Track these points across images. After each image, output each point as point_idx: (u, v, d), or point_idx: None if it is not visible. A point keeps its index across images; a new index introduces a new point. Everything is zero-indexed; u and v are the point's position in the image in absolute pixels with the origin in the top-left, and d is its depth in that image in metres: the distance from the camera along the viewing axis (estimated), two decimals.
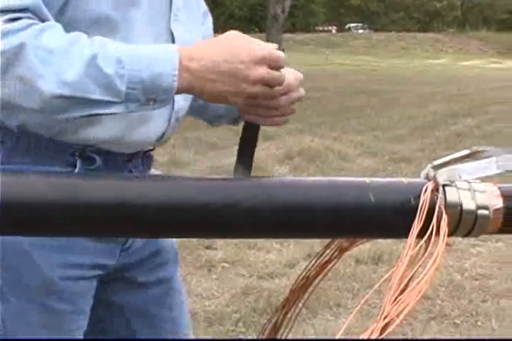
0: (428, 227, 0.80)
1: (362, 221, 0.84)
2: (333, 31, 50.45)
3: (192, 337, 1.68)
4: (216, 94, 1.18)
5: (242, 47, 1.16)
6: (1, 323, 1.34)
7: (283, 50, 1.18)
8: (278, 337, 1.07)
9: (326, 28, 51.57)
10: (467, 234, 0.86)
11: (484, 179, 0.87)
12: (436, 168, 0.85)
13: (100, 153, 1.35)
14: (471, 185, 0.85)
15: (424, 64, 31.97)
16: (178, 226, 0.83)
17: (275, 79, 1.17)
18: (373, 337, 0.69)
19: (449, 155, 0.87)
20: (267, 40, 1.24)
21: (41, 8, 1.20)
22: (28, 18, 1.17)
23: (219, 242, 4.33)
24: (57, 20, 1.21)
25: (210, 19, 1.60)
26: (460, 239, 3.93)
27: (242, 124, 1.31)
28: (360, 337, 0.70)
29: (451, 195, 0.83)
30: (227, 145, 8.01)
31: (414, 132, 9.83)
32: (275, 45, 1.19)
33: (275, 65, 1.16)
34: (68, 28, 1.19)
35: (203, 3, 1.58)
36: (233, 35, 1.19)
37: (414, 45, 44.00)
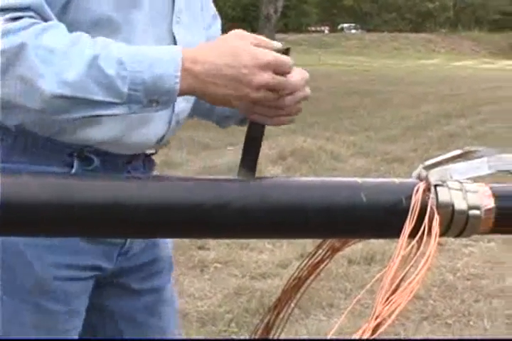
0: (420, 227, 0.80)
1: (354, 221, 0.84)
2: (326, 31, 50.50)
3: None
4: (219, 97, 1.16)
5: (246, 50, 1.14)
6: None
7: (288, 50, 1.17)
8: (270, 337, 1.06)
9: (318, 29, 51.61)
10: (459, 234, 0.86)
11: (476, 179, 0.87)
12: (428, 168, 0.85)
13: (98, 153, 1.34)
14: (463, 185, 0.85)
15: (417, 64, 32.02)
16: (171, 226, 0.83)
17: (280, 85, 1.15)
18: (365, 337, 0.70)
19: (441, 155, 0.87)
20: None
21: (43, 7, 1.19)
22: (30, 17, 1.17)
23: (211, 242, 4.33)
24: (59, 20, 1.21)
25: (218, 21, 1.58)
26: (452, 239, 3.93)
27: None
28: (352, 337, 0.70)
29: (443, 195, 0.83)
30: (219, 146, 8.02)
31: (407, 132, 9.85)
32: (279, 44, 1.18)
33: (280, 71, 1.14)
34: (70, 28, 1.19)
35: (212, 6, 1.57)
36: (237, 36, 1.17)
37: (407, 46, 44.08)
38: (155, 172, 1.54)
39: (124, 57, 1.14)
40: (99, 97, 1.14)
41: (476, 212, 0.84)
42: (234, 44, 1.16)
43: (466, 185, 0.85)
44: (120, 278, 1.49)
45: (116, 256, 1.44)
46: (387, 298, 0.74)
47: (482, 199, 0.85)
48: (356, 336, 0.70)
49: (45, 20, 1.19)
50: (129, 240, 1.44)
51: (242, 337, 3.17)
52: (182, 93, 1.17)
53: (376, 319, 0.71)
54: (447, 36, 48.22)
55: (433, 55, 41.38)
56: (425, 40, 46.40)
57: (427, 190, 0.84)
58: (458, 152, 0.88)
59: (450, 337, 3.32)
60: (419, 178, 0.86)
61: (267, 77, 1.13)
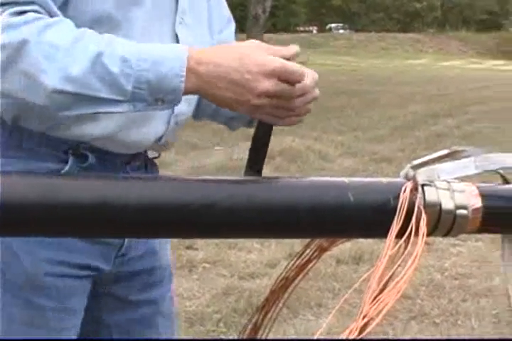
0: (407, 227, 0.81)
1: (341, 221, 0.84)
2: (314, 31, 50.53)
3: None
4: (221, 99, 1.16)
5: (254, 56, 1.13)
6: None
7: (295, 56, 1.16)
8: (258, 337, 1.06)
9: (307, 29, 51.65)
10: (446, 234, 0.86)
11: (463, 179, 0.87)
12: (416, 167, 0.85)
13: (93, 150, 1.33)
14: (450, 185, 0.85)
15: (404, 64, 32.08)
16: (158, 226, 0.83)
17: (284, 93, 1.14)
18: (352, 336, 0.70)
19: (428, 155, 0.88)
20: None
21: (48, 3, 1.19)
22: (35, 11, 1.16)
23: (200, 242, 4.33)
24: None
25: (232, 25, 1.57)
26: (440, 238, 3.95)
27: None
28: (339, 337, 0.70)
29: (430, 195, 0.83)
30: (208, 146, 8.01)
31: (395, 132, 9.87)
32: (295, 48, 1.17)
33: (287, 79, 1.13)
34: None
35: (226, 9, 1.56)
36: (250, 44, 1.16)
37: (395, 46, 44.15)
38: None
39: (128, 54, 1.14)
40: (103, 94, 1.14)
41: (464, 211, 0.84)
42: (244, 49, 1.15)
43: (453, 185, 0.85)
44: (117, 287, 1.47)
45: (114, 257, 1.43)
46: (375, 298, 0.74)
47: (469, 198, 0.85)
48: (343, 335, 0.70)
49: (51, 15, 1.18)
50: (126, 241, 1.43)
51: (230, 337, 3.17)
52: (187, 92, 1.16)
53: (363, 318, 0.71)
54: (435, 36, 48.31)
55: (421, 55, 41.47)
56: (413, 40, 46.48)
57: (415, 189, 0.84)
58: (445, 152, 0.88)
59: (438, 336, 3.33)
60: (407, 178, 0.86)
61: (268, 84, 1.12)
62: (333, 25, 53.13)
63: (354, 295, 3.28)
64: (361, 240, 4.09)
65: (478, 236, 4.56)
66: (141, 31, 1.30)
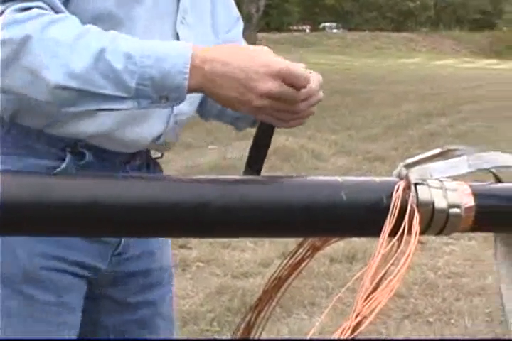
0: (400, 226, 0.81)
1: (334, 220, 0.84)
2: (308, 30, 50.53)
3: None
4: (224, 99, 1.15)
5: (261, 57, 1.13)
6: None
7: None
8: (251, 336, 1.06)
9: (300, 28, 51.64)
10: (439, 233, 0.86)
11: (456, 177, 0.87)
12: (408, 166, 0.86)
13: (90, 148, 1.33)
14: (443, 184, 0.85)
15: (398, 63, 32.12)
16: (151, 225, 0.83)
17: (286, 96, 1.13)
18: (345, 335, 0.70)
19: (421, 154, 0.88)
20: None
21: None
22: (40, 7, 1.16)
23: (193, 241, 4.32)
24: None
25: (240, 24, 1.56)
26: (433, 237, 3.96)
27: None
28: (332, 336, 0.70)
29: (423, 194, 0.84)
30: (201, 145, 8.01)
31: (388, 131, 9.88)
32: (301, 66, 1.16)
33: (291, 82, 1.12)
34: None
35: (234, 8, 1.55)
36: (258, 48, 1.16)
37: (388, 45, 44.20)
38: None
39: (132, 51, 1.13)
40: (106, 91, 1.13)
41: (456, 210, 0.84)
42: (253, 51, 1.15)
43: (446, 184, 0.85)
44: (114, 289, 1.46)
45: (110, 256, 1.42)
46: (368, 296, 0.74)
47: (462, 197, 0.85)
48: (336, 334, 0.70)
49: (56, 11, 1.18)
50: (123, 240, 1.42)
51: (224, 337, 3.17)
52: (191, 90, 1.15)
53: (356, 317, 0.71)
54: (428, 35, 48.39)
55: (414, 54, 41.53)
56: (406, 39, 46.54)
57: (407, 188, 0.84)
58: (438, 151, 0.88)
59: (431, 335, 3.34)
60: (400, 177, 0.86)
61: (271, 85, 1.11)
62: (326, 24, 53.12)
63: (347, 294, 3.28)
64: (355, 239, 4.10)
65: (471, 234, 4.57)
66: (142, 30, 1.29)
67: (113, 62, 1.12)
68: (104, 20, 1.24)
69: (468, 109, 12.99)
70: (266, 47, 1.17)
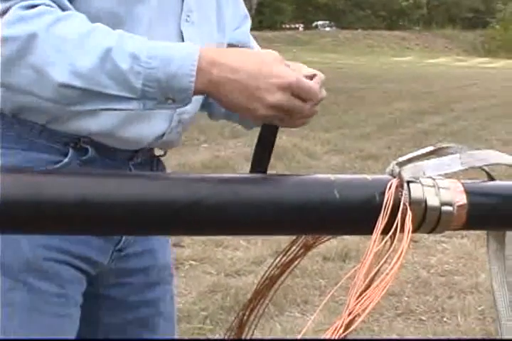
0: (393, 224, 0.81)
1: (327, 218, 0.84)
2: (300, 29, 50.50)
3: None
4: (229, 104, 1.14)
5: (273, 67, 1.11)
6: None
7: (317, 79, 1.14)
8: (244, 335, 1.06)
9: (293, 26, 51.59)
10: (431, 231, 0.86)
11: (449, 175, 0.88)
12: (401, 164, 0.86)
13: (93, 145, 1.33)
14: (436, 182, 0.86)
15: (391, 62, 32.14)
16: (144, 223, 0.83)
17: (294, 108, 1.12)
18: (337, 333, 0.70)
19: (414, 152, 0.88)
20: None
21: None
22: (46, 5, 1.16)
23: (186, 240, 4.32)
24: None
25: (248, 21, 1.55)
26: (426, 235, 3.96)
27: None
28: (325, 333, 0.70)
29: (416, 192, 0.84)
30: (193, 143, 8.00)
31: (381, 130, 9.89)
32: (319, 74, 1.16)
33: (300, 95, 1.12)
34: None
35: (242, 6, 1.54)
36: (267, 53, 1.15)
37: (381, 43, 44.23)
38: None
39: (138, 51, 1.12)
40: (112, 91, 1.12)
41: (449, 208, 0.84)
42: (262, 57, 1.13)
43: (438, 182, 0.86)
44: (115, 288, 1.45)
45: (112, 251, 1.42)
46: (360, 294, 0.74)
47: (454, 195, 0.85)
48: (329, 332, 0.70)
49: (62, 9, 1.18)
50: (124, 237, 1.42)
51: (217, 335, 3.17)
52: (197, 92, 1.14)
53: (349, 315, 0.71)
54: (421, 34, 48.42)
55: (406, 52, 41.56)
56: (399, 37, 46.57)
57: (400, 186, 0.84)
58: (430, 148, 0.88)
59: (424, 333, 3.34)
60: (392, 175, 0.86)
61: (280, 97, 1.10)
62: (319, 22, 53.11)
63: (340, 292, 3.29)
64: (347, 237, 4.10)
65: (464, 232, 4.58)
66: (146, 29, 1.28)
67: (119, 62, 1.11)
68: (108, 19, 1.23)
69: (461, 107, 13.01)
70: (275, 53, 1.15)
